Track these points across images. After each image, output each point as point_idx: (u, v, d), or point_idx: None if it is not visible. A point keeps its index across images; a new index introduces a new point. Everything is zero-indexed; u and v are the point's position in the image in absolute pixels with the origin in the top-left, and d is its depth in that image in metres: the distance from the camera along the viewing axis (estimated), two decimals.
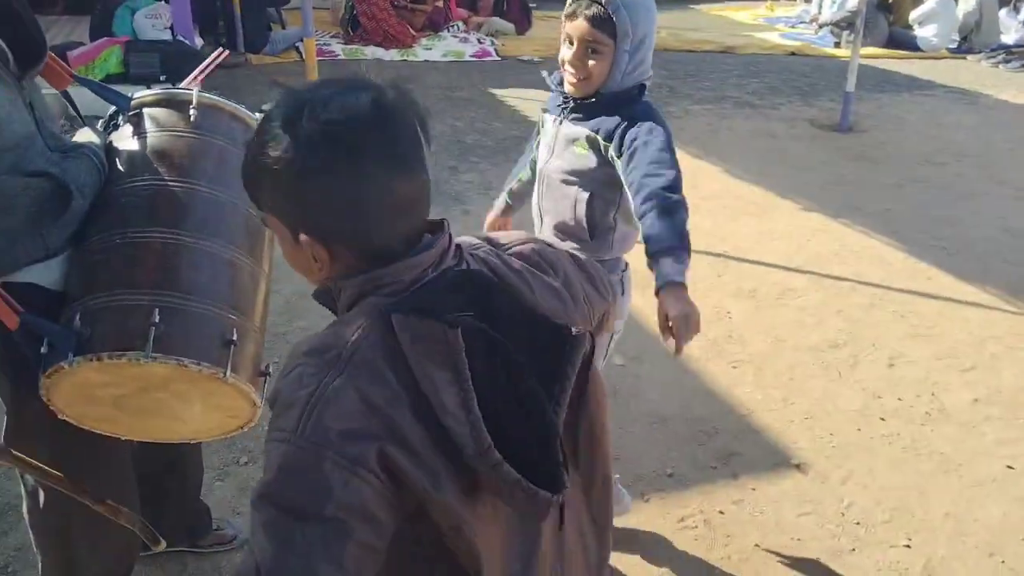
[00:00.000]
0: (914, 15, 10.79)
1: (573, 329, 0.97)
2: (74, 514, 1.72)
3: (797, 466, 2.74)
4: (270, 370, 1.63)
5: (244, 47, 8.97)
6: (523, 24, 11.24)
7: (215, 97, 1.75)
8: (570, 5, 1.86)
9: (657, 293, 1.66)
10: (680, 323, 1.60)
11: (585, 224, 1.98)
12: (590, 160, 1.94)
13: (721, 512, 2.51)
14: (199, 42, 8.18)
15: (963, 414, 3.04)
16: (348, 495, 0.83)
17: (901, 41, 10.65)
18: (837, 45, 10.84)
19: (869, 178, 5.76)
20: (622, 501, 2.40)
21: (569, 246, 1.77)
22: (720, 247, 4.45)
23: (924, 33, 10.63)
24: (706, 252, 4.36)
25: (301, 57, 8.62)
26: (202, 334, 1.46)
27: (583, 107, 1.94)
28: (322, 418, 0.84)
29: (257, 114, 1.82)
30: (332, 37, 10.00)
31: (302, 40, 7.68)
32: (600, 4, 1.79)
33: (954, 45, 10.72)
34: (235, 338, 1.48)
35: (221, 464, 2.62)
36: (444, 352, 0.87)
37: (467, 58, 9.52)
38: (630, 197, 1.82)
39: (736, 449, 2.80)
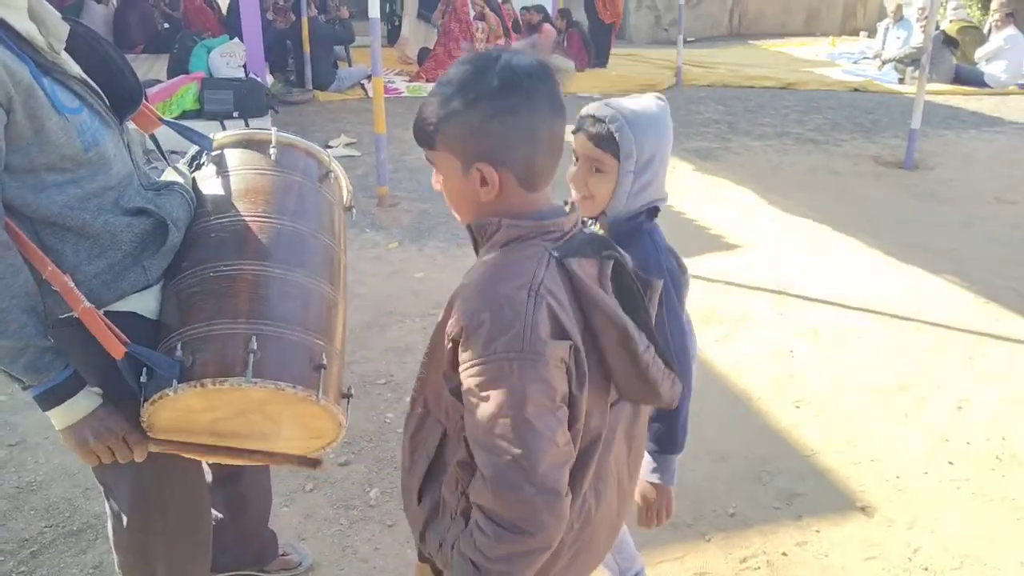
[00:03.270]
0: (980, 53, 10.62)
1: (653, 279, 1.35)
2: (156, 534, 1.80)
3: (862, 509, 2.69)
4: (352, 391, 1.70)
5: (312, 84, 9.27)
6: (583, 61, 11.38)
7: (291, 136, 1.85)
8: (577, 121, 1.74)
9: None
10: (651, 514, 1.83)
11: None
12: None
13: (784, 554, 2.48)
14: (270, 80, 8.49)
15: None
16: (562, 386, 1.14)
17: (968, 77, 10.49)
18: (901, 81, 10.72)
19: (935, 216, 5.66)
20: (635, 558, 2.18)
21: None
22: (780, 284, 4.42)
23: (992, 70, 10.45)
24: (766, 290, 4.33)
25: (367, 94, 8.88)
26: (295, 359, 1.53)
27: None
28: (537, 334, 1.11)
29: (327, 149, 1.92)
30: (396, 75, 10.28)
31: (368, 78, 7.92)
32: (603, 121, 1.67)
33: None
34: (324, 362, 1.55)
35: (287, 491, 2.69)
36: (597, 282, 1.20)
37: None
38: None
39: (799, 490, 2.77)
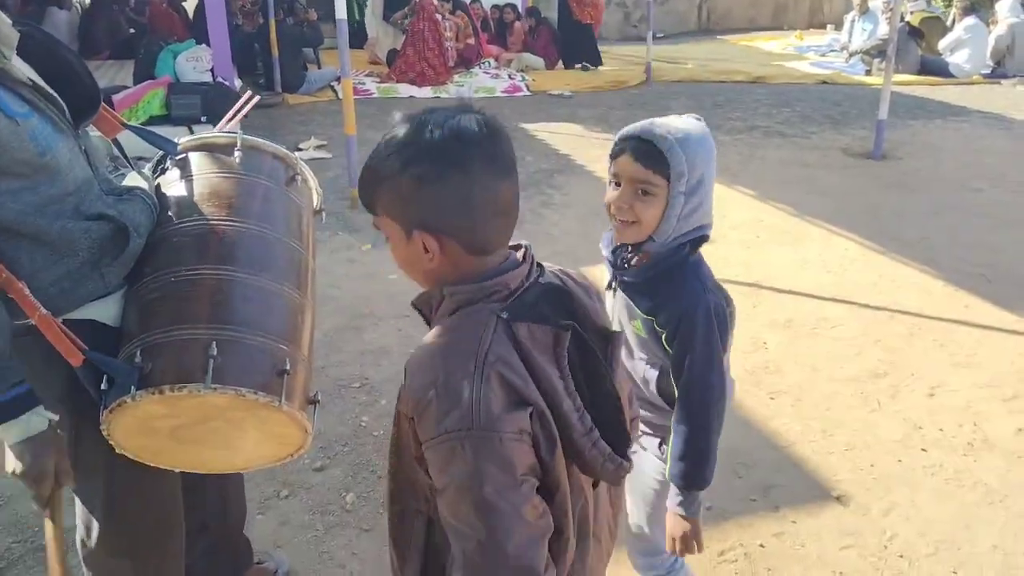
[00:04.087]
0: (943, 44, 10.76)
1: (615, 329, 1.21)
2: (126, 546, 1.77)
3: (838, 498, 2.71)
4: (318, 397, 1.67)
5: (281, 87, 9.20)
6: (552, 58, 11.39)
7: (257, 139, 1.82)
8: (617, 143, 1.68)
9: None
10: (678, 544, 1.77)
11: (661, 400, 1.80)
12: (650, 340, 1.75)
13: (762, 545, 2.49)
14: (238, 83, 8.41)
15: (1007, 444, 2.99)
16: (526, 458, 1.06)
17: (933, 68, 10.62)
18: (868, 73, 10.83)
19: (904, 206, 5.72)
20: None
21: (650, 416, 1.83)
22: (753, 277, 4.44)
23: (956, 59, 10.58)
24: (739, 282, 4.35)
25: (336, 96, 8.82)
26: (257, 365, 1.51)
27: (634, 276, 1.75)
28: (489, 409, 1.03)
29: (296, 152, 1.90)
30: (367, 76, 10.22)
31: (338, 79, 7.87)
32: (651, 141, 1.60)
33: (988, 70, 10.65)
34: (288, 367, 1.52)
35: (262, 498, 2.66)
36: (552, 351, 1.10)
37: (498, 94, 9.68)
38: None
39: (776, 481, 2.78)
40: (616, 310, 1.82)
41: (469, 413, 1.03)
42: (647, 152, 1.61)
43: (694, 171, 1.62)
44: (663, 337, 1.70)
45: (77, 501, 1.77)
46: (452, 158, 1.07)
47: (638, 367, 1.80)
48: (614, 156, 1.68)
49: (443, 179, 1.07)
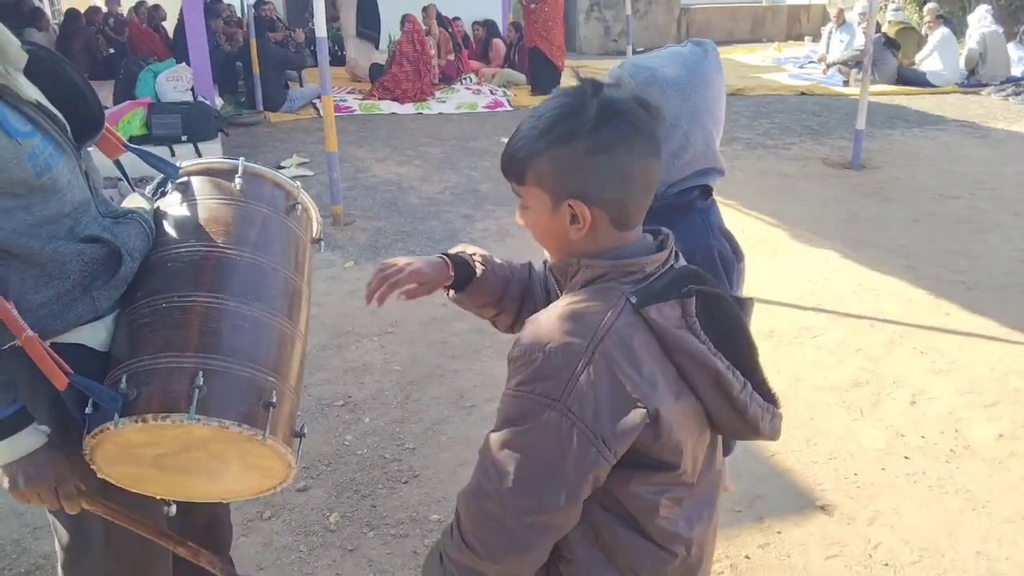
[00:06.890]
0: (919, 55, 10.89)
1: (746, 298, 1.31)
2: (112, 571, 1.74)
3: (822, 507, 2.71)
4: (304, 431, 1.66)
5: (263, 105, 9.19)
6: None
7: (259, 166, 1.81)
8: None
9: None
10: None
11: None
12: None
13: (747, 557, 2.49)
14: (219, 102, 8.40)
15: (988, 450, 3.01)
16: (585, 463, 1.08)
17: (910, 77, 10.74)
18: (846, 84, 10.93)
19: (884, 214, 5.77)
20: None
21: None
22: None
23: (931, 69, 10.71)
24: None
25: (318, 113, 8.82)
26: (243, 396, 1.49)
27: None
28: (582, 395, 1.06)
29: (279, 170, 1.89)
30: (348, 93, 10.23)
31: (319, 97, 7.87)
32: (615, 86, 1.63)
33: (962, 79, 10.78)
34: (274, 400, 1.51)
35: (245, 520, 2.63)
36: (686, 322, 1.12)
37: (480, 109, 9.70)
38: None
39: (760, 492, 2.78)
40: None
41: (562, 388, 1.06)
42: None
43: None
44: None
45: (58, 527, 1.75)
46: (621, 130, 1.10)
47: None
48: None
49: (611, 150, 1.10)
